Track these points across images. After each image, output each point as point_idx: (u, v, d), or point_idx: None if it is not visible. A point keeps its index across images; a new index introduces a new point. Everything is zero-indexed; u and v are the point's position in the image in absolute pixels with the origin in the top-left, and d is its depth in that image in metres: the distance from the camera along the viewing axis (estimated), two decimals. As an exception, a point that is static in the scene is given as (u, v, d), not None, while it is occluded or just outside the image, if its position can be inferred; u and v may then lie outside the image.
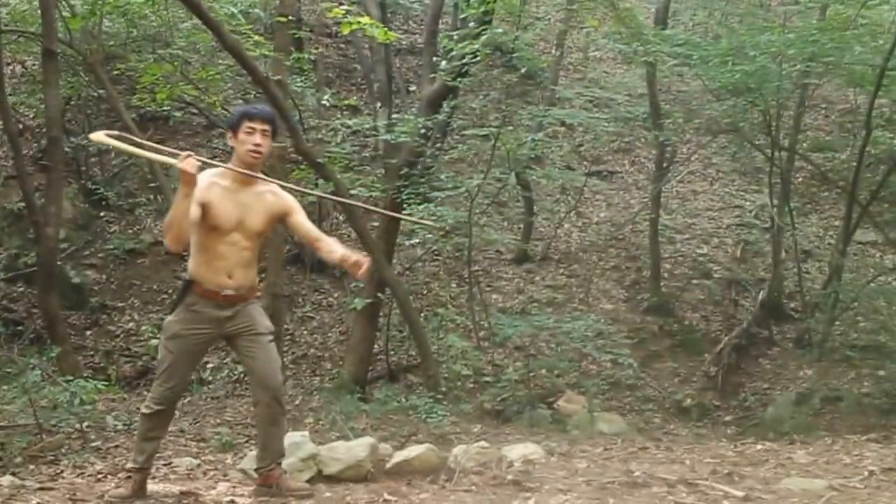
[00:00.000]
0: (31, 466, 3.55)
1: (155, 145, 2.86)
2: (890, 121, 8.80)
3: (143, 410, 2.78)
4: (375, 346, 6.85)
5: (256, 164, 2.67)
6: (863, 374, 7.00)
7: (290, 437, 3.29)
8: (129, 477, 2.81)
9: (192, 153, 2.53)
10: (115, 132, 2.85)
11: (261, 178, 2.68)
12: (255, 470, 2.85)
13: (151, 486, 2.91)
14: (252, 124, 2.64)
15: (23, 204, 7.00)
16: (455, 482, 2.88)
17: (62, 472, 3.44)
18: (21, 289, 7.43)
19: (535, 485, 2.77)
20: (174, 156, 2.49)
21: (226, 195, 2.62)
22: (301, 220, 2.76)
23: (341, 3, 4.69)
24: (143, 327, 7.36)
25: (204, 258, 2.66)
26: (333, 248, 2.74)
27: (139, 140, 2.71)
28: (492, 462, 3.16)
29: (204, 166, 2.57)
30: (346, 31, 4.87)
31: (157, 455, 3.82)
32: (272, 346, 2.77)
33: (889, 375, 6.80)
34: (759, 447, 3.64)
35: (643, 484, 2.75)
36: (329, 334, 7.75)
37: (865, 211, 7.79)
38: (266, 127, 2.66)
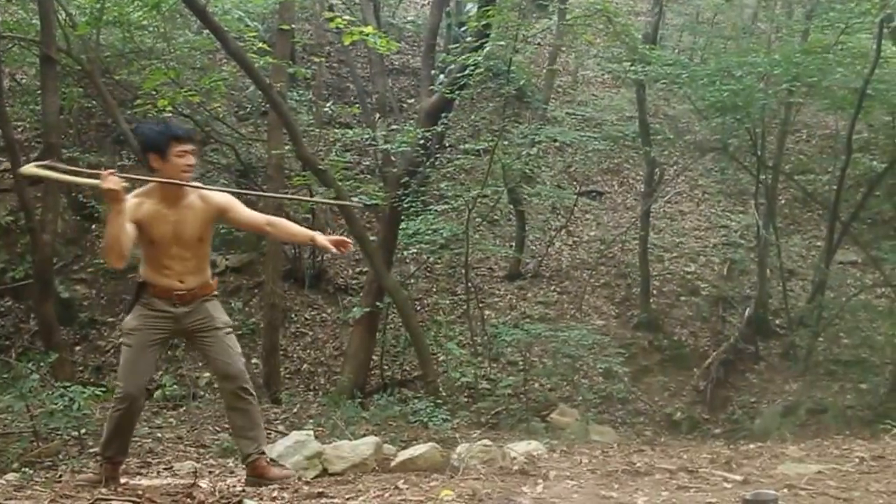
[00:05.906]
0: (29, 472, 3.48)
1: (78, 169, 2.95)
2: (869, 144, 9.12)
3: (111, 413, 2.77)
4: (372, 358, 6.83)
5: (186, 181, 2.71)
6: (846, 388, 7.16)
7: (295, 436, 3.30)
8: (102, 465, 2.80)
9: (113, 171, 2.57)
10: (45, 162, 2.92)
11: (186, 186, 2.65)
12: (243, 461, 2.87)
13: (150, 482, 2.89)
14: (182, 147, 2.65)
15: (10, 218, 6.92)
16: (462, 474, 2.89)
17: (60, 476, 3.38)
18: (9, 303, 7.31)
19: (543, 472, 2.81)
20: (96, 177, 2.54)
21: (156, 214, 2.65)
22: (240, 212, 2.78)
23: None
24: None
25: (152, 266, 2.72)
26: (296, 231, 2.87)
27: (64, 167, 2.79)
28: (496, 458, 3.19)
29: (128, 182, 2.62)
30: (347, 42, 4.99)
31: (157, 460, 3.80)
32: (231, 338, 2.80)
33: (871, 388, 6.97)
34: (752, 446, 3.72)
35: (646, 472, 2.80)
36: (323, 349, 7.69)
37: (846, 231, 8.03)
38: (194, 147, 2.70)
